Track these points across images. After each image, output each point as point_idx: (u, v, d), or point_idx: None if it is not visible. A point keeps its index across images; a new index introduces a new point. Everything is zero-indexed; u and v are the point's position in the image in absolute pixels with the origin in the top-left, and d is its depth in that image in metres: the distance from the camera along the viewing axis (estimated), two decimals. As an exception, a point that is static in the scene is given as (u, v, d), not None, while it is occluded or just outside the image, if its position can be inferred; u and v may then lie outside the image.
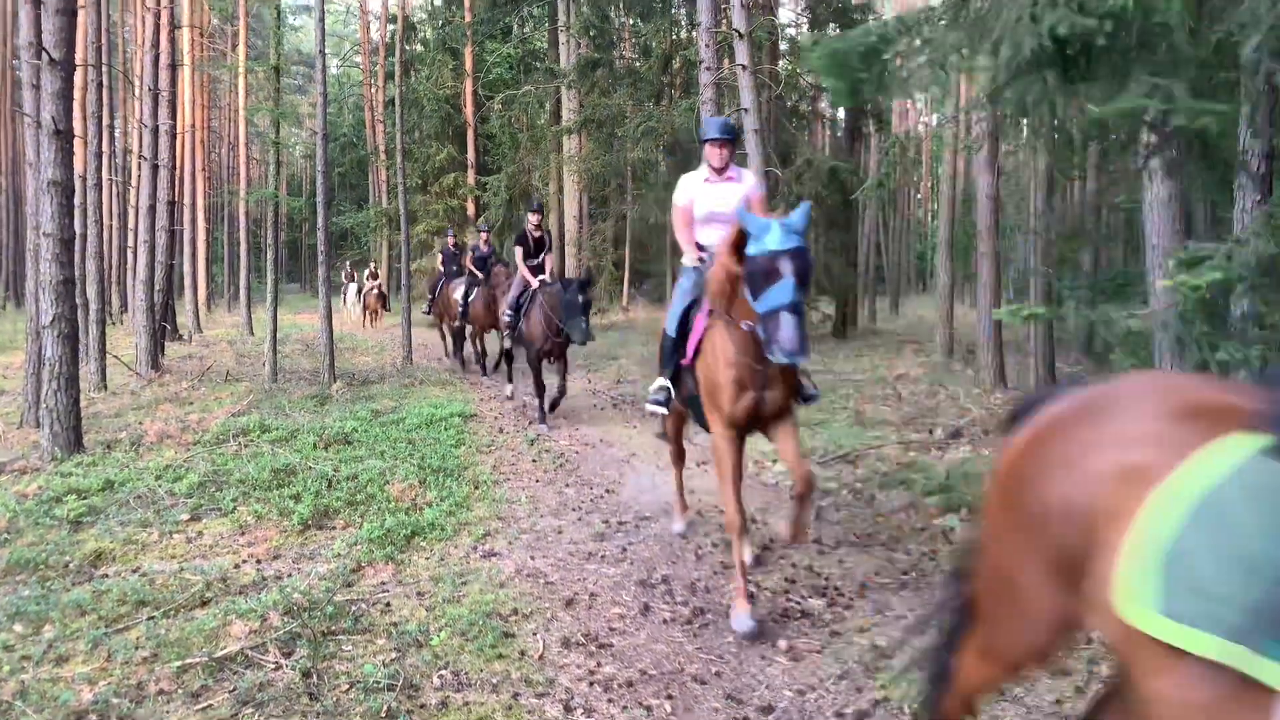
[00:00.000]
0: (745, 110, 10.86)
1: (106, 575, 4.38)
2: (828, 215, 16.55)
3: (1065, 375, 11.77)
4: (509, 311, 9.43)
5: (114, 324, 18.71)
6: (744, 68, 10.72)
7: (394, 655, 3.50)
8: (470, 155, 26.01)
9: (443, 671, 3.37)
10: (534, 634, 3.75)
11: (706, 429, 4.27)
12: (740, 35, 10.70)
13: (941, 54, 4.65)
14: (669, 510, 5.48)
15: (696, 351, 4.18)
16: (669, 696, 3.25)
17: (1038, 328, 9.90)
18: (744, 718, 3.12)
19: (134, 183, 16.49)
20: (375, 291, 22.72)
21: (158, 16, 13.40)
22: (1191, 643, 1.41)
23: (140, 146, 13.77)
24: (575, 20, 18.40)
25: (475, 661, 3.47)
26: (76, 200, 9.60)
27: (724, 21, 11.92)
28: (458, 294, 12.54)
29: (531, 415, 9.12)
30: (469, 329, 12.81)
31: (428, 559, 4.71)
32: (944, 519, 5.43)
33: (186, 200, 24.32)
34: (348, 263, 28.66)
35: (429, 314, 15.24)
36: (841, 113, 23.39)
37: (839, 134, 25.40)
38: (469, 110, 25.76)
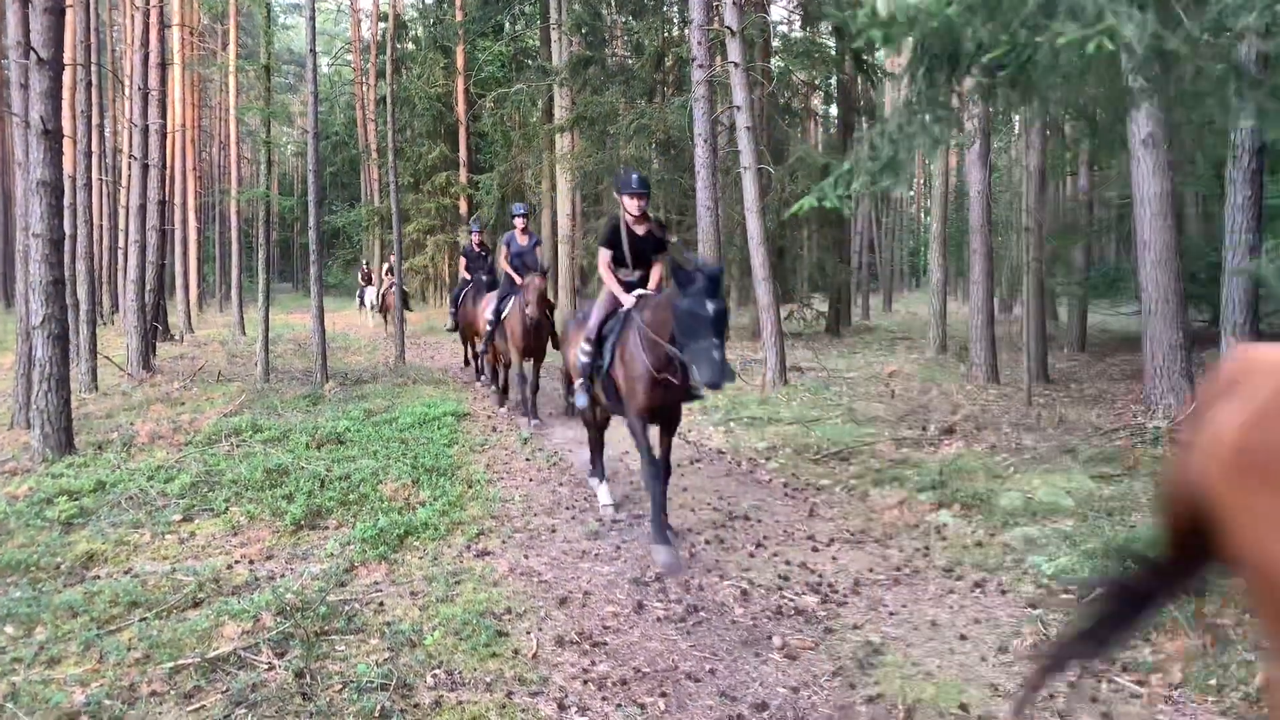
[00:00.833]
0: (738, 107, 10.88)
1: (98, 576, 4.36)
2: (820, 212, 16.50)
3: (1058, 370, 11.81)
4: (586, 346, 5.55)
5: (105, 324, 18.62)
6: (736, 65, 10.74)
7: (387, 655, 3.49)
8: (462, 153, 26.00)
9: (436, 671, 3.36)
10: (528, 633, 3.75)
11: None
12: (732, 32, 10.72)
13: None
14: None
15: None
16: (663, 694, 3.24)
17: (1030, 324, 9.91)
18: (738, 715, 3.11)
19: (124, 182, 16.38)
20: (393, 290, 20.75)
21: (147, 15, 13.32)
22: None
23: (130, 146, 13.68)
24: (567, 18, 18.38)
25: (469, 661, 3.46)
26: (66, 200, 9.56)
27: (716, 19, 11.94)
28: (489, 310, 9.56)
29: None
30: (506, 356, 9.41)
31: (421, 558, 4.70)
32: (937, 515, 5.45)
33: (177, 200, 24.25)
34: (364, 262, 26.79)
35: (453, 329, 12.38)
36: (834, 109, 23.41)
37: (831, 131, 25.46)
38: (461, 108, 25.74)
